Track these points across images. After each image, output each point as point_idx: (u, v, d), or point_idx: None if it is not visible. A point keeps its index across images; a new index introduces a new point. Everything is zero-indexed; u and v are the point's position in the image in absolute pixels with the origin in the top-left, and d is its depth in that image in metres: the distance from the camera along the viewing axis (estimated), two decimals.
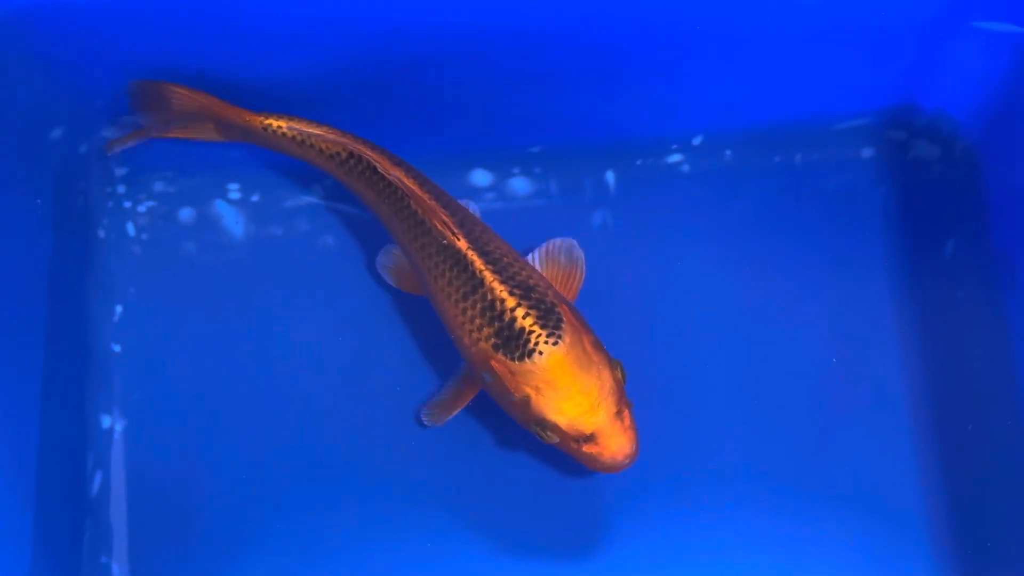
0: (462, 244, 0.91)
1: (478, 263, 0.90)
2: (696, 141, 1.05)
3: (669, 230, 1.04)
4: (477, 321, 0.89)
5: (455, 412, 0.96)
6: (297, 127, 0.96)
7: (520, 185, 1.05)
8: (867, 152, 1.05)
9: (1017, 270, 0.99)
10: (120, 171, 1.04)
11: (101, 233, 1.04)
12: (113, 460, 0.99)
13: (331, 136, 0.95)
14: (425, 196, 0.92)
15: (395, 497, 0.98)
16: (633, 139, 1.05)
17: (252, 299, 1.02)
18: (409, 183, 0.93)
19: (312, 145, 0.96)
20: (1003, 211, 1.01)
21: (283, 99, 0.98)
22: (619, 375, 0.89)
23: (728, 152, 1.05)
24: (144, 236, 1.04)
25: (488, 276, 0.90)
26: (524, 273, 0.91)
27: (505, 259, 0.91)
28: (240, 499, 0.97)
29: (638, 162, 1.05)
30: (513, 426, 0.93)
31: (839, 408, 0.98)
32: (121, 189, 1.04)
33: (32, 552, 0.91)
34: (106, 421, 1.00)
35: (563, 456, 0.93)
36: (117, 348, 1.02)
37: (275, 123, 0.97)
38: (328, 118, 0.97)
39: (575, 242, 0.97)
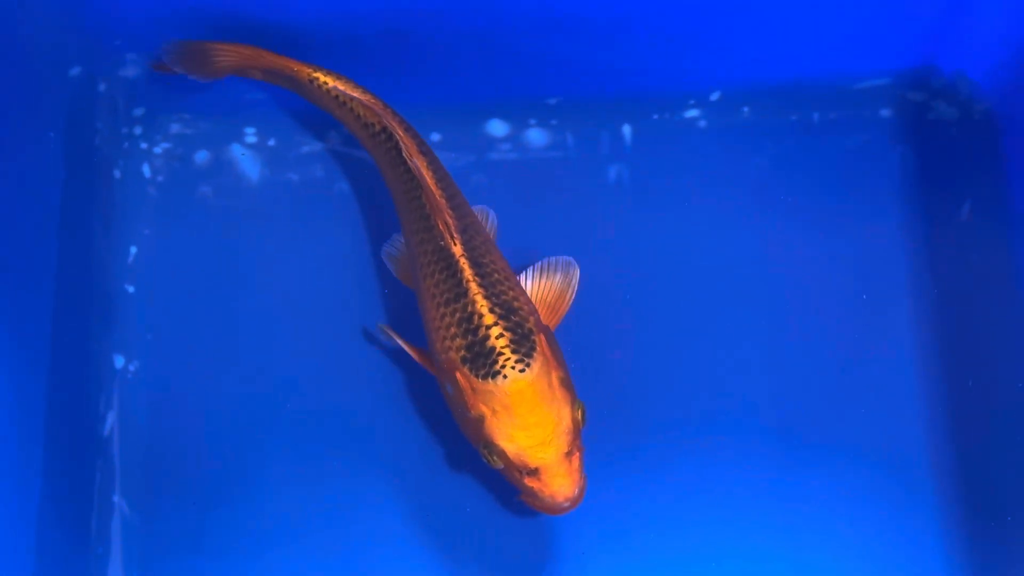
0: (457, 250, 0.89)
1: (467, 272, 0.89)
2: (714, 97, 1.05)
3: (684, 185, 1.03)
4: (452, 330, 0.88)
5: (403, 348, 0.95)
6: (342, 88, 0.96)
7: (536, 136, 1.05)
8: (885, 112, 1.05)
9: None
10: (137, 112, 1.04)
11: (117, 174, 1.03)
12: (125, 400, 0.98)
13: (371, 104, 0.95)
14: (437, 192, 0.91)
15: (404, 452, 0.98)
16: (650, 93, 1.05)
17: (266, 243, 1.02)
18: (426, 174, 0.91)
19: (351, 109, 0.96)
20: (1020, 174, 1.01)
21: (301, 46, 0.98)
22: (579, 417, 0.87)
23: (745, 109, 1.05)
24: (160, 178, 1.04)
25: (473, 288, 0.88)
26: (511, 293, 0.89)
27: (496, 275, 0.90)
28: (251, 441, 0.97)
29: (655, 116, 1.05)
30: None
31: (851, 366, 0.98)
32: (138, 130, 1.04)
33: (41, 490, 0.91)
34: (118, 361, 1.00)
35: None
36: (131, 289, 1.01)
37: (322, 78, 0.96)
38: (345, 67, 0.97)
39: (573, 260, 0.94)
